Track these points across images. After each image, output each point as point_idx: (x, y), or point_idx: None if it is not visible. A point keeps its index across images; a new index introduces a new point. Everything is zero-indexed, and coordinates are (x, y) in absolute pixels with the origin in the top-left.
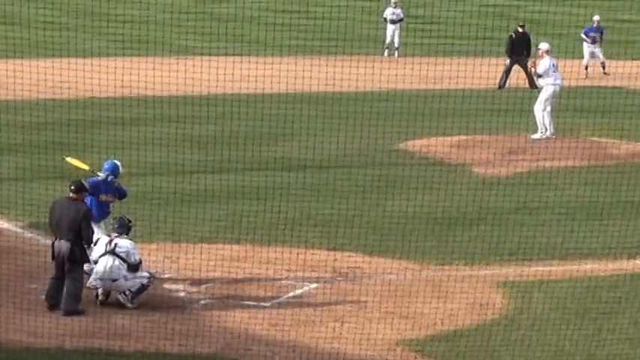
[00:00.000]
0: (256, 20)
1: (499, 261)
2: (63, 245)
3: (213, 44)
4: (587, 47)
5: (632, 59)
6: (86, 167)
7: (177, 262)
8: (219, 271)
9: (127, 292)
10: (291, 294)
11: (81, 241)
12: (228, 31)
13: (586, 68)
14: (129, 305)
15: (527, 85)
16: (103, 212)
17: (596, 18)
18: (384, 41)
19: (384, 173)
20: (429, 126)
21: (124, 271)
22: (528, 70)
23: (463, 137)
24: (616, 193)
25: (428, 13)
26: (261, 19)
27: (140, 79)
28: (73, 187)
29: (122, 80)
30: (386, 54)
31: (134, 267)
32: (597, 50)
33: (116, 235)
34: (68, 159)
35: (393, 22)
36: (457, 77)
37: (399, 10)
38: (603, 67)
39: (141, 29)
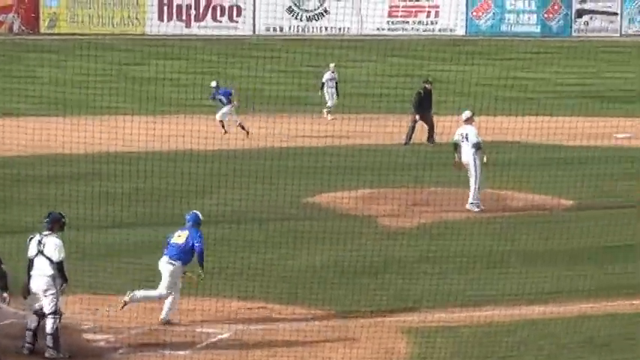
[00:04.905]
0: (175, 82)
1: (404, 308)
2: None
3: (134, 105)
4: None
5: (529, 115)
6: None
7: (95, 314)
8: (136, 321)
9: (50, 349)
10: (205, 342)
11: None
12: (149, 89)
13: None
14: (61, 356)
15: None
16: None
17: None
18: (325, 103)
19: (295, 226)
20: (340, 180)
21: (47, 277)
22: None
23: (370, 190)
24: (514, 243)
25: (340, 72)
26: (180, 82)
27: (64, 138)
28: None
29: (46, 139)
30: (329, 117)
31: (59, 265)
32: (226, 109)
33: (47, 233)
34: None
35: (330, 86)
36: (368, 133)
37: (336, 75)
38: (242, 128)
39: (65, 91)
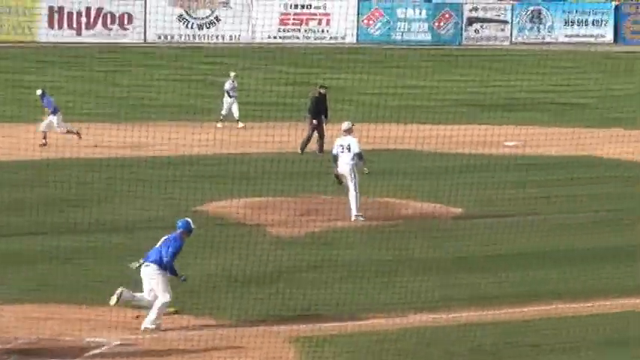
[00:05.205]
0: (65, 90)
1: (292, 317)
2: None
3: (22, 113)
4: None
5: (419, 123)
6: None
7: None
8: (24, 330)
9: None
10: (93, 352)
11: None
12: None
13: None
14: None
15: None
16: None
17: None
18: (220, 111)
19: None
20: (230, 189)
21: None
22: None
23: (259, 199)
24: (402, 251)
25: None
26: (70, 89)
27: None
28: None
29: None
30: (219, 125)
31: None
32: (53, 119)
33: None
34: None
35: (231, 95)
36: (257, 142)
37: (236, 83)
38: (74, 133)
39: None
